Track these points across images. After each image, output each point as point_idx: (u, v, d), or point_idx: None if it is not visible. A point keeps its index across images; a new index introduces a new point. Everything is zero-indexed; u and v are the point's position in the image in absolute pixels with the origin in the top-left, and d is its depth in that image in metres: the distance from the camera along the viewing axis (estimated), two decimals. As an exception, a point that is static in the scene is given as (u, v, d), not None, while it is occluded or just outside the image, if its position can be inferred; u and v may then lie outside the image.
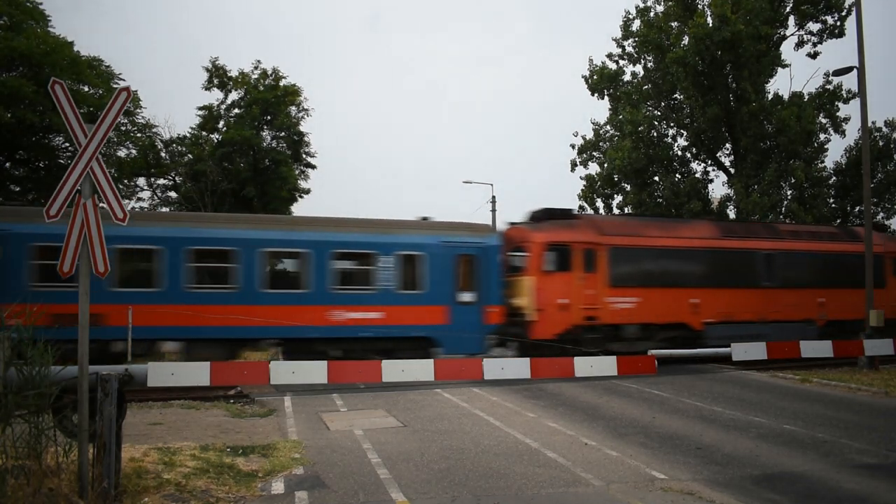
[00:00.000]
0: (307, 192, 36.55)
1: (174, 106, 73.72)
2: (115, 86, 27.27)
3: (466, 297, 17.34)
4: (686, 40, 29.67)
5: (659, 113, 33.44)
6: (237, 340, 16.24)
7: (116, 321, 14.47)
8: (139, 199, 34.82)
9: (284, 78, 34.62)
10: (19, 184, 28.98)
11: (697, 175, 33.22)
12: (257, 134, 33.05)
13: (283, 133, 34.49)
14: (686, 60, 28.71)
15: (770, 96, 30.73)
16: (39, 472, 6.04)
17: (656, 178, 33.43)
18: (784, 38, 31.44)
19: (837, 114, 31.32)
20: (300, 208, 36.51)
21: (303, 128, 35.24)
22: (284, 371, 12.09)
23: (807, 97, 30.72)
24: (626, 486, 7.35)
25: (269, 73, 34.50)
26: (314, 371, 12.34)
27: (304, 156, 35.90)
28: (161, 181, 35.30)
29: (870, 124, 27.09)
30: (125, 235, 13.53)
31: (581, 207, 35.27)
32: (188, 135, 34.46)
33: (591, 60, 34.25)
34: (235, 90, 34.40)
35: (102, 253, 6.44)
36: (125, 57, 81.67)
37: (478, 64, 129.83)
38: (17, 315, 6.36)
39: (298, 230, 16.85)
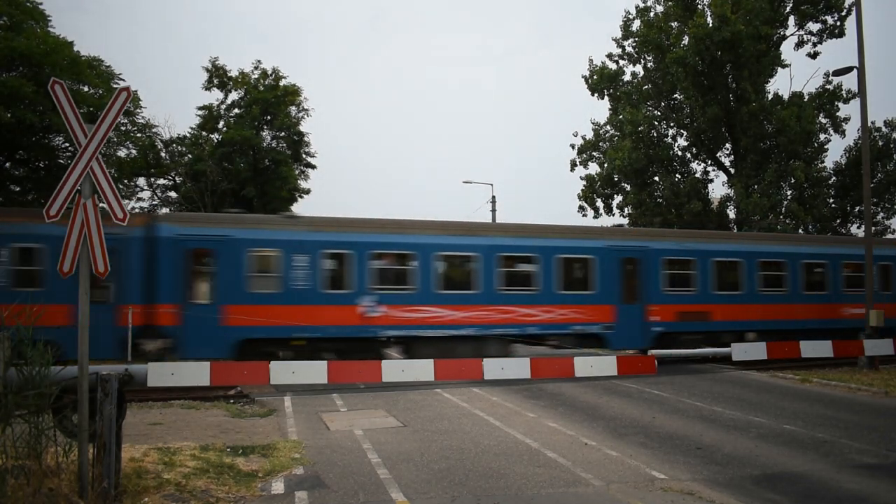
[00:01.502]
0: (307, 192, 36.57)
1: (174, 106, 73.75)
2: (115, 86, 27.25)
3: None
4: (686, 40, 29.68)
5: (659, 113, 33.44)
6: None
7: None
8: (139, 199, 34.82)
9: (284, 78, 34.61)
10: (19, 184, 28.95)
11: (697, 175, 33.22)
12: (257, 134, 33.03)
13: (283, 133, 34.46)
14: (686, 60, 28.72)
15: (770, 96, 30.73)
16: (39, 472, 6.04)
17: (656, 178, 33.42)
18: (784, 38, 31.46)
19: (837, 114, 31.33)
20: (300, 208, 36.56)
21: (303, 128, 35.24)
22: (284, 371, 12.10)
23: (807, 97, 30.72)
24: (626, 486, 7.35)
25: (269, 73, 34.47)
26: (314, 371, 12.36)
27: (304, 156, 35.89)
28: (161, 181, 35.27)
29: (870, 124, 27.12)
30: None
31: (581, 207, 35.33)
32: (188, 135, 34.44)
33: (590, 60, 34.30)
34: (235, 90, 34.38)
35: (102, 253, 6.44)
36: (125, 57, 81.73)
37: (477, 64, 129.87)
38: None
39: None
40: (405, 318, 16.95)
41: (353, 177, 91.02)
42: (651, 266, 19.25)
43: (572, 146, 35.71)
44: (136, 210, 34.74)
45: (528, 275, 18.22)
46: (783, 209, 31.07)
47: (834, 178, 34.29)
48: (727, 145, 32.80)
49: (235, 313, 15.84)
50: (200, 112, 34.31)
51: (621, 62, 33.92)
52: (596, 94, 34.44)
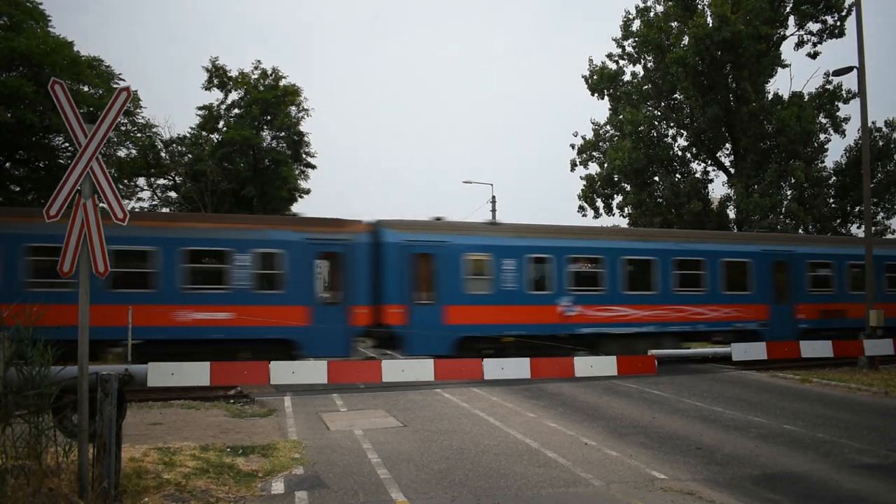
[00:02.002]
0: (307, 192, 36.57)
1: (174, 106, 73.80)
2: (115, 86, 27.26)
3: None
4: (686, 40, 29.69)
5: (659, 113, 33.45)
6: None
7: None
8: (139, 199, 34.83)
9: (284, 78, 34.62)
10: (19, 184, 28.97)
11: (697, 175, 33.23)
12: (257, 134, 33.03)
13: (283, 133, 34.46)
14: (686, 60, 28.72)
15: (770, 96, 30.74)
16: (39, 472, 6.04)
17: (656, 178, 33.43)
18: (784, 38, 31.47)
19: (837, 114, 31.35)
20: (300, 208, 36.55)
21: (303, 128, 35.24)
22: (284, 371, 12.08)
23: (807, 97, 30.73)
24: (626, 486, 7.35)
25: (269, 73, 34.48)
26: (314, 371, 12.35)
27: (304, 156, 35.89)
28: (161, 181, 35.29)
29: (870, 124, 27.12)
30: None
31: (581, 207, 35.34)
32: (188, 135, 34.46)
33: (590, 60, 34.33)
34: (235, 90, 34.38)
35: (102, 253, 6.44)
36: (125, 57, 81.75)
37: (478, 64, 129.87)
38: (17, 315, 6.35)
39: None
40: (596, 317, 18.65)
41: (352, 177, 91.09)
42: (798, 269, 20.91)
43: (572, 146, 35.74)
44: (137, 210, 34.80)
45: (697, 277, 19.88)
46: (783, 209, 31.08)
47: (834, 178, 34.30)
48: (727, 145, 32.82)
49: (454, 313, 17.32)
50: (200, 112, 34.33)
51: (621, 62, 33.97)
52: (596, 94, 34.46)
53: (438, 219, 18.92)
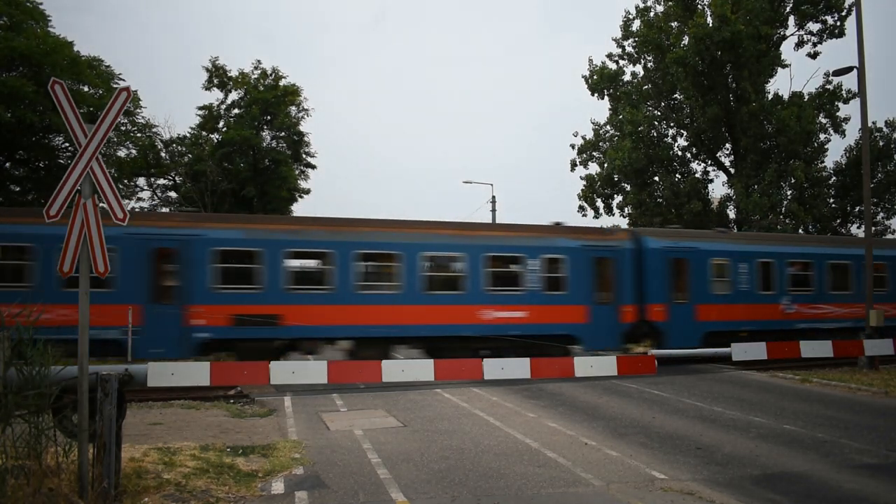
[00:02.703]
0: (307, 192, 36.57)
1: (174, 106, 73.80)
2: (115, 86, 27.26)
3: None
4: (686, 40, 29.69)
5: (659, 113, 33.45)
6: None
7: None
8: (139, 199, 34.82)
9: (284, 78, 34.63)
10: (19, 184, 28.96)
11: (697, 175, 33.22)
12: (257, 134, 33.02)
13: (283, 133, 34.47)
14: (686, 60, 28.72)
15: (770, 96, 30.74)
16: (39, 472, 6.03)
17: (656, 178, 33.43)
18: (784, 38, 31.46)
19: (837, 114, 31.34)
20: (300, 208, 36.54)
21: (303, 128, 35.24)
22: (284, 371, 12.08)
23: (807, 97, 30.72)
24: (626, 486, 7.35)
25: (269, 72, 34.48)
26: (314, 371, 12.34)
27: (304, 156, 35.89)
28: (161, 181, 35.28)
29: (870, 124, 27.12)
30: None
31: (581, 207, 35.35)
32: (188, 135, 34.45)
33: (590, 60, 34.33)
34: (235, 90, 34.38)
35: (102, 253, 6.43)
36: (125, 57, 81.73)
37: (478, 64, 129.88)
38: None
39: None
40: (809, 314, 20.78)
41: (353, 176, 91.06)
42: None
43: (572, 146, 35.75)
44: (137, 210, 34.84)
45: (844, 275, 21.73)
46: (783, 209, 31.09)
47: (834, 178, 34.31)
48: (727, 145, 32.82)
49: (703, 311, 19.39)
50: (200, 112, 34.33)
51: (621, 62, 33.97)
52: (596, 94, 34.46)
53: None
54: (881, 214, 34.90)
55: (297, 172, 35.35)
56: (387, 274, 17.07)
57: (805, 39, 31.32)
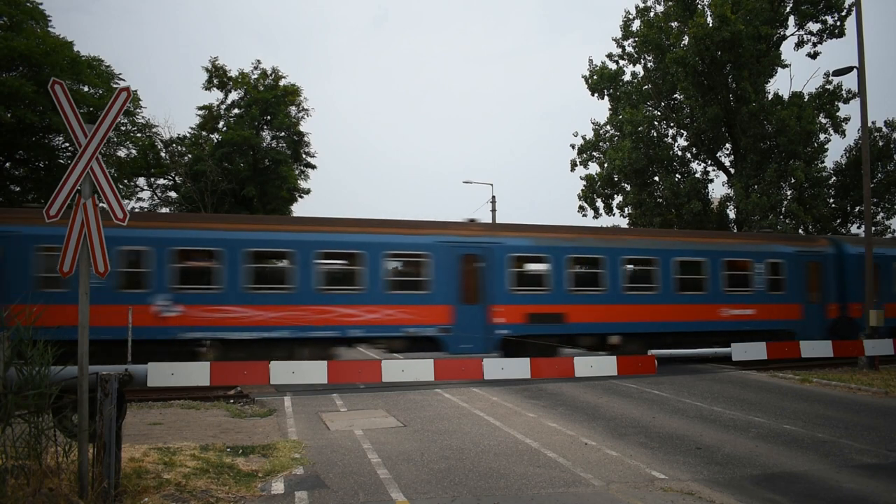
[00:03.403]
0: (307, 192, 36.59)
1: (174, 106, 73.83)
2: (115, 86, 27.27)
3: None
4: (686, 40, 29.68)
5: (659, 113, 33.44)
6: None
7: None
8: (139, 199, 34.84)
9: (284, 78, 34.66)
10: (19, 184, 28.99)
11: (697, 175, 33.21)
12: (257, 134, 33.04)
13: (282, 133, 34.48)
14: (686, 60, 28.72)
15: (770, 96, 30.72)
16: (39, 472, 6.04)
17: (656, 178, 33.43)
18: (784, 38, 31.45)
19: (837, 114, 31.32)
20: (300, 208, 36.55)
21: (303, 128, 35.26)
22: (284, 371, 12.08)
23: (807, 97, 30.71)
24: (626, 486, 7.35)
25: (269, 72, 34.51)
26: (314, 371, 12.34)
27: (304, 156, 35.90)
28: (161, 181, 35.32)
29: (870, 124, 27.12)
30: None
31: (581, 207, 35.34)
32: (188, 135, 34.48)
33: (590, 61, 34.32)
34: (235, 90, 34.40)
35: (103, 253, 6.43)
36: (125, 57, 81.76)
37: (478, 64, 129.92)
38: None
39: None
40: None
41: (353, 176, 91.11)
42: None
43: (572, 146, 35.73)
44: (137, 210, 34.83)
45: None
46: (783, 209, 31.10)
47: (834, 178, 34.30)
48: (727, 145, 32.81)
49: (891, 310, 20.50)
50: (200, 112, 34.37)
51: (621, 62, 33.95)
52: (596, 94, 34.46)
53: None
54: (881, 214, 34.89)
55: (297, 172, 35.36)
56: (647, 277, 19.34)
57: (805, 39, 31.32)
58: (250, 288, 15.77)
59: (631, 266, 19.43)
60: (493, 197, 38.09)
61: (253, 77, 34.17)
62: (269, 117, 33.69)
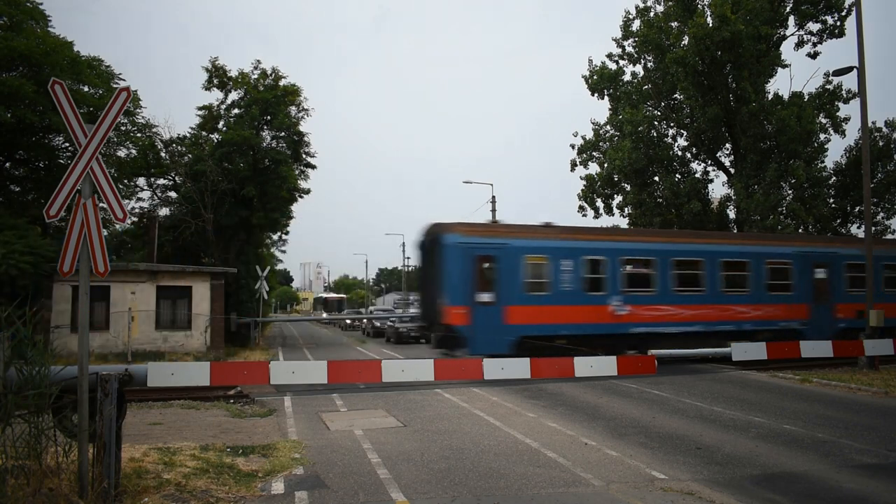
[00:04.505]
0: (307, 192, 36.55)
1: (174, 106, 73.94)
2: (115, 86, 27.24)
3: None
4: (686, 40, 29.67)
5: (659, 113, 33.43)
6: None
7: None
8: (139, 199, 34.81)
9: (284, 78, 34.59)
10: (19, 184, 28.96)
11: (697, 175, 33.21)
12: (257, 134, 33.00)
13: (282, 133, 34.44)
14: (686, 60, 28.71)
15: (770, 96, 30.72)
16: (39, 472, 6.03)
17: (656, 178, 33.42)
18: (784, 38, 31.44)
19: (837, 114, 31.32)
20: (300, 208, 36.47)
21: (303, 128, 35.21)
22: (284, 371, 12.11)
23: (807, 97, 30.70)
24: (626, 486, 7.35)
25: (269, 73, 34.46)
26: (314, 371, 12.36)
27: (304, 156, 35.86)
28: (161, 181, 35.26)
29: (870, 124, 27.11)
30: None
31: (581, 207, 35.34)
32: (188, 135, 34.44)
33: (590, 61, 34.32)
34: (235, 90, 34.36)
35: (102, 253, 6.43)
36: (125, 57, 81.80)
37: (480, 64, 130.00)
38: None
39: None
40: None
41: (353, 176, 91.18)
42: None
43: (572, 146, 35.73)
44: (137, 210, 34.80)
45: None
46: (783, 209, 31.09)
47: (834, 178, 34.29)
48: (727, 145, 32.80)
49: None
50: (200, 112, 34.31)
51: (621, 62, 33.94)
52: (596, 95, 34.45)
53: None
54: (881, 214, 34.88)
55: (297, 172, 35.31)
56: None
57: (805, 39, 31.32)
58: (675, 290, 19.57)
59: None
60: (493, 197, 38.13)
61: (253, 77, 34.13)
62: (269, 117, 33.64)
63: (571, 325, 18.17)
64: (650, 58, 32.64)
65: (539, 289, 18.05)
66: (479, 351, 16.64)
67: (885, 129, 34.45)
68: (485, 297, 17.43)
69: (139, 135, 31.63)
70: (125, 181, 31.46)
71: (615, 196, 34.61)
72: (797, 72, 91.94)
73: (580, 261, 18.49)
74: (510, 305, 17.60)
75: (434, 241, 18.20)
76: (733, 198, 31.10)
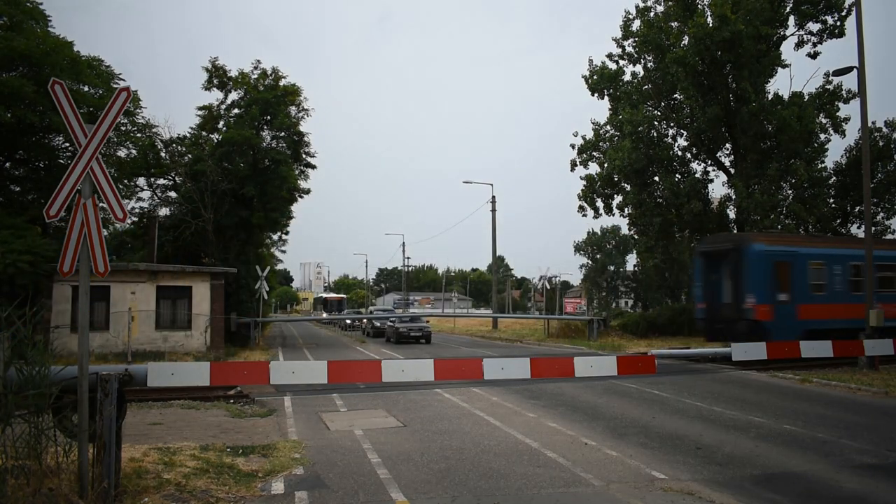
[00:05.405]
0: (307, 192, 36.55)
1: (174, 106, 73.95)
2: (115, 86, 27.24)
3: None
4: (686, 40, 29.66)
5: (659, 113, 33.42)
6: None
7: None
8: (139, 199, 34.80)
9: (284, 78, 34.60)
10: (19, 184, 28.96)
11: (697, 175, 33.20)
12: (257, 134, 32.99)
13: (282, 133, 34.43)
14: (686, 60, 28.70)
15: (770, 96, 30.71)
16: (39, 472, 6.04)
17: (656, 178, 33.40)
18: (784, 38, 31.44)
19: (837, 114, 31.31)
20: (300, 208, 36.45)
21: (303, 128, 35.21)
22: (284, 371, 12.09)
23: (807, 97, 30.69)
24: (626, 486, 7.35)
25: (269, 73, 34.46)
26: (314, 371, 12.34)
27: (304, 156, 35.85)
28: (161, 181, 35.25)
29: (870, 124, 27.09)
30: None
31: (581, 207, 35.32)
32: (188, 135, 34.44)
33: (590, 61, 34.31)
34: (235, 90, 34.36)
35: (102, 253, 6.43)
36: (125, 57, 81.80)
37: (480, 64, 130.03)
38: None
39: None
40: None
41: (353, 176, 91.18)
42: None
43: (572, 146, 35.72)
44: (137, 210, 34.81)
45: None
46: (784, 209, 31.08)
47: (834, 177, 34.29)
48: (727, 145, 32.79)
49: None
50: (200, 112, 34.31)
51: (621, 62, 33.93)
52: (596, 94, 34.44)
53: None
54: (881, 214, 34.87)
55: (297, 172, 35.31)
56: None
57: (805, 39, 31.31)
58: None
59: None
60: (493, 197, 38.16)
61: (253, 77, 34.13)
62: (269, 117, 33.64)
63: (842, 320, 20.71)
64: (650, 58, 32.63)
65: (818, 290, 21.37)
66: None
67: (885, 129, 34.44)
68: (782, 296, 20.73)
69: (139, 135, 31.62)
70: (125, 181, 31.45)
71: (615, 196, 34.60)
72: (797, 72, 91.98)
73: (847, 266, 21.71)
74: (800, 304, 20.83)
75: (735, 249, 21.50)
76: (733, 198, 31.09)
